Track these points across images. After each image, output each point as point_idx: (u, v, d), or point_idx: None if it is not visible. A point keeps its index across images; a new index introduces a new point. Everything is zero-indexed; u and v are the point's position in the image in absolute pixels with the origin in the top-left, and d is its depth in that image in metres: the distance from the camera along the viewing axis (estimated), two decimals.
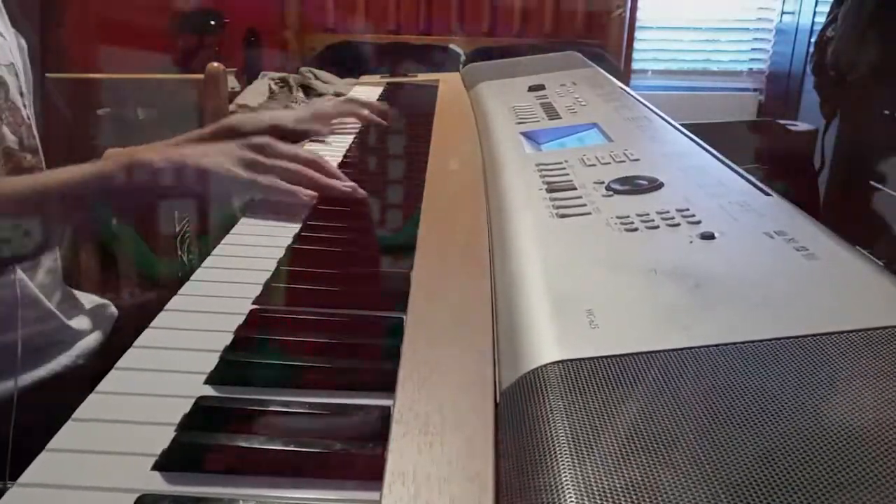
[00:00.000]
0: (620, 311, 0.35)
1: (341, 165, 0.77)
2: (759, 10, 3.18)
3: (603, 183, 0.53)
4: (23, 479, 0.30)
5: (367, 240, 0.58)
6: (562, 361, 0.31)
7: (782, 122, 2.24)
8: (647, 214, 0.46)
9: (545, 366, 0.32)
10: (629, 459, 0.25)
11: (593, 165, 0.58)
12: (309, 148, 0.84)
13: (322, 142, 0.88)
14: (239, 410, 0.34)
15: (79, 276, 0.92)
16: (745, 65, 3.24)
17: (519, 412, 0.30)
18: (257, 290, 0.47)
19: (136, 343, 0.40)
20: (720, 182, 0.51)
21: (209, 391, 0.36)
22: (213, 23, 2.77)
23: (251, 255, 0.53)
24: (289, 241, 0.55)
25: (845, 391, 0.28)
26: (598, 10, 3.02)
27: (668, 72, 3.23)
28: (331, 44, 2.91)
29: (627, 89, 0.90)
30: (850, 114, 1.84)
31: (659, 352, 0.31)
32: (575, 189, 0.53)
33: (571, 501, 0.24)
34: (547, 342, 0.34)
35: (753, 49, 3.22)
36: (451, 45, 2.86)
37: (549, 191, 0.54)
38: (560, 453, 0.26)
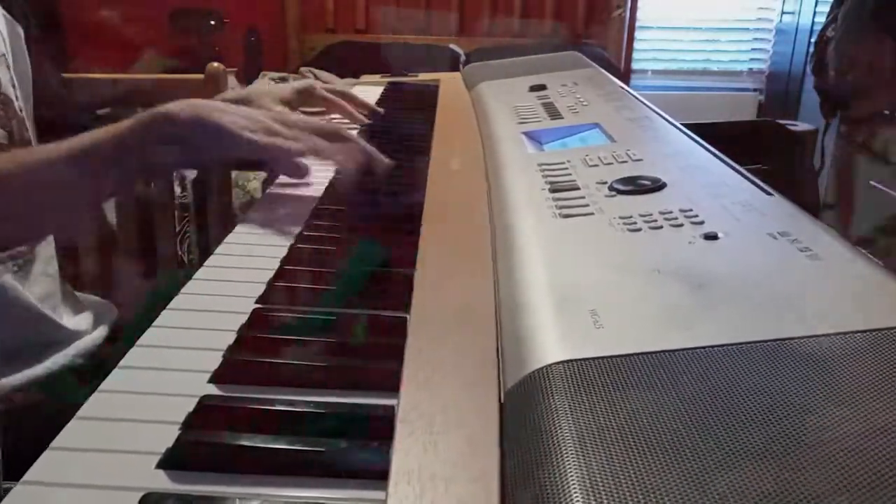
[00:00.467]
0: (624, 312, 0.35)
1: None
2: (759, 10, 3.19)
3: (606, 183, 0.53)
4: (27, 477, 0.30)
5: (369, 239, 0.58)
6: (566, 361, 0.32)
7: (782, 122, 2.24)
8: (650, 215, 0.46)
9: (549, 366, 0.32)
10: (634, 459, 0.25)
11: (596, 165, 0.58)
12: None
13: None
14: (243, 409, 0.34)
15: (79, 276, 0.92)
16: (745, 65, 3.25)
17: (523, 412, 0.30)
18: (260, 288, 0.47)
19: (139, 342, 0.40)
20: (723, 182, 0.51)
21: (213, 390, 0.36)
22: (213, 23, 2.78)
23: (254, 253, 0.53)
24: (291, 240, 0.55)
25: (849, 392, 0.28)
26: (598, 10, 3.02)
27: (667, 72, 3.24)
28: (331, 44, 2.91)
29: (628, 89, 0.90)
30: (850, 114, 1.84)
31: (663, 352, 0.31)
32: (578, 189, 0.53)
33: (577, 500, 0.24)
34: (551, 342, 0.34)
35: (753, 49, 3.23)
36: (451, 45, 2.86)
37: (552, 191, 0.54)
38: (565, 452, 0.26)
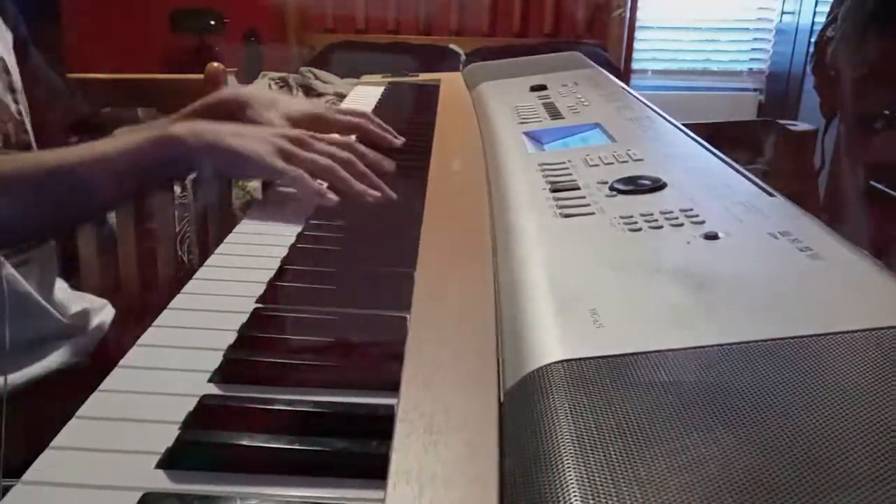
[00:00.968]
0: (624, 311, 0.35)
1: None
2: (759, 10, 3.19)
3: (606, 183, 0.53)
4: (27, 476, 0.30)
5: (370, 239, 0.58)
6: (566, 361, 0.31)
7: (782, 122, 2.24)
8: (651, 214, 0.46)
9: (549, 365, 0.32)
10: (633, 459, 0.25)
11: (596, 165, 0.58)
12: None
13: None
14: (243, 409, 0.34)
15: (78, 275, 0.92)
16: (745, 65, 3.25)
17: (523, 411, 0.30)
18: (260, 288, 0.47)
19: (139, 341, 0.40)
20: (724, 182, 0.51)
21: (213, 390, 0.36)
22: (213, 23, 2.78)
23: (254, 253, 0.53)
24: (292, 239, 0.55)
25: (850, 391, 0.28)
26: (598, 10, 3.02)
27: (667, 72, 3.24)
28: (331, 44, 2.91)
29: (629, 89, 0.90)
30: (850, 114, 1.84)
31: (663, 352, 0.31)
32: (578, 189, 0.53)
33: (576, 500, 0.24)
34: (551, 342, 0.34)
35: (753, 49, 3.23)
36: (451, 45, 2.87)
37: (553, 191, 0.54)
38: (564, 452, 0.26)
